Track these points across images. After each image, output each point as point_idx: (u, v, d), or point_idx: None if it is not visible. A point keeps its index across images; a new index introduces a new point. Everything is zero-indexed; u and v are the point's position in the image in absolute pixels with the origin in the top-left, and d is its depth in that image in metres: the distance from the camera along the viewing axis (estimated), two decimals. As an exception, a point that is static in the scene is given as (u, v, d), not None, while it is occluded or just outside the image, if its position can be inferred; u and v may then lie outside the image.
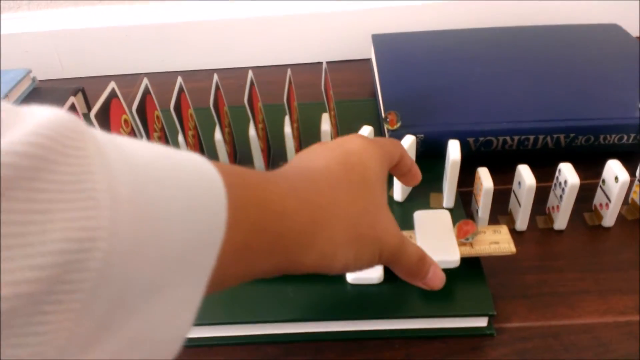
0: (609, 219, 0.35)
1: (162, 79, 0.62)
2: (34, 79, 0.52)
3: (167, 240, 0.15)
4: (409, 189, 0.36)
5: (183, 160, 0.17)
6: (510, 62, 0.47)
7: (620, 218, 0.36)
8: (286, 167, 0.24)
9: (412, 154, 0.36)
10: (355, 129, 0.41)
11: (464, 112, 0.40)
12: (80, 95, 0.52)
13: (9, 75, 0.50)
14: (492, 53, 0.48)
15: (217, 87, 0.40)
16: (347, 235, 0.22)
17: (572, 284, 0.32)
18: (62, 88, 0.52)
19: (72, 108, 0.35)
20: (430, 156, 0.39)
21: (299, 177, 0.23)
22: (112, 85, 0.39)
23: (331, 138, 0.38)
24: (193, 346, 0.30)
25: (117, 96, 0.39)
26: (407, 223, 0.33)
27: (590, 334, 0.29)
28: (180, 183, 0.16)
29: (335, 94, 0.52)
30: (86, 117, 0.35)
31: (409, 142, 0.34)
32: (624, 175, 0.33)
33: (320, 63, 0.62)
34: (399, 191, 0.36)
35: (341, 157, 0.24)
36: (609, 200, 0.35)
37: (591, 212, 0.37)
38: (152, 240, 0.14)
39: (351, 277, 0.30)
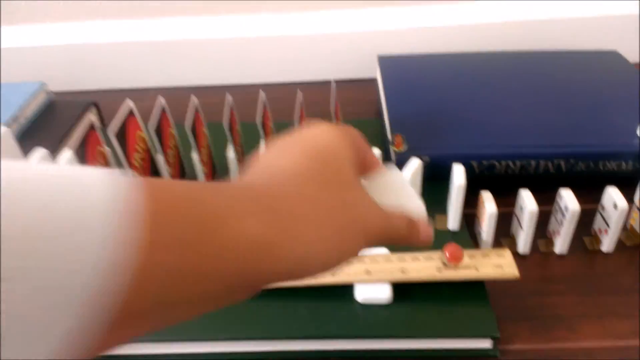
0: (608, 244, 0.36)
1: (172, 94, 0.64)
2: (48, 92, 0.53)
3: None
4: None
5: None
6: (513, 87, 0.48)
7: (620, 243, 0.37)
8: (247, 171, 0.22)
9: (419, 177, 0.37)
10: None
11: (469, 135, 0.42)
12: (94, 109, 0.53)
13: (23, 88, 0.52)
14: (495, 77, 0.50)
15: (196, 109, 0.41)
16: (321, 233, 0.20)
17: (572, 308, 0.33)
18: (76, 102, 0.53)
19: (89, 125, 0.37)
20: (435, 178, 0.40)
21: (260, 183, 0.21)
22: (130, 103, 0.40)
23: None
24: (206, 362, 0.31)
25: (133, 114, 0.40)
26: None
27: (590, 357, 0.30)
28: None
29: (341, 112, 0.54)
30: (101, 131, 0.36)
31: (415, 166, 0.36)
32: (622, 202, 0.35)
33: (326, 82, 0.64)
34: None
35: (312, 152, 0.22)
36: (608, 227, 0.36)
37: (591, 236, 0.38)
38: None
39: (361, 297, 0.31)
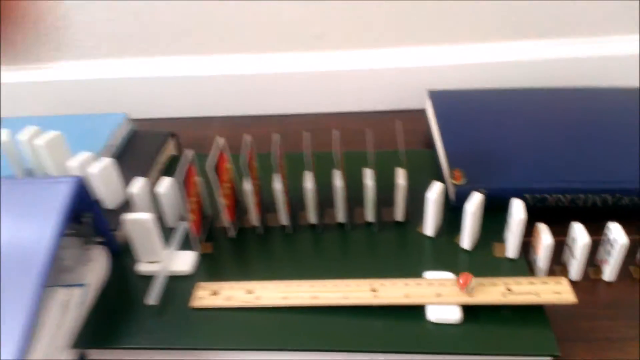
0: (653, 273, 0.40)
1: (233, 122, 0.69)
2: (131, 123, 0.59)
3: None
4: (476, 239, 0.42)
5: None
6: (560, 123, 0.52)
7: (663, 272, 0.41)
8: None
9: (481, 210, 0.41)
10: (420, 180, 0.47)
11: (522, 170, 0.46)
12: (172, 139, 0.58)
13: (110, 119, 0.57)
14: (543, 113, 0.54)
15: (250, 145, 0.46)
16: None
17: (623, 331, 0.37)
18: (156, 132, 0.58)
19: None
20: (491, 209, 0.44)
21: None
22: (221, 141, 0.45)
23: (404, 193, 0.44)
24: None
25: (223, 150, 0.45)
26: (474, 269, 0.38)
27: (640, 375, 0.34)
28: None
29: (388, 143, 0.58)
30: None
31: (478, 199, 0.40)
32: (667, 235, 0.38)
33: (373, 112, 0.69)
34: (467, 240, 0.41)
35: None
36: (654, 257, 0.40)
37: (636, 266, 0.42)
38: None
39: (433, 317, 0.36)
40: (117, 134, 0.56)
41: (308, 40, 0.65)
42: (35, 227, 0.36)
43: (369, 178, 0.43)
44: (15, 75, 0.69)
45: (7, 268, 0.34)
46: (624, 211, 0.45)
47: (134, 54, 0.68)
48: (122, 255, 0.44)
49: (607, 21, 0.63)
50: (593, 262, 0.42)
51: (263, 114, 0.70)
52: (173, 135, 0.58)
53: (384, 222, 0.45)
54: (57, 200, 0.37)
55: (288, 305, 0.38)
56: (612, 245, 0.39)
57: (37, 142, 0.45)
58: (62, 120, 0.57)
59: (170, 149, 0.58)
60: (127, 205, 0.48)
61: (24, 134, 0.47)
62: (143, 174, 0.51)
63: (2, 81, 0.68)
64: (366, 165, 0.45)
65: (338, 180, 0.43)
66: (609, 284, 0.41)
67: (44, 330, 0.36)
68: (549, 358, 0.34)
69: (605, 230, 0.40)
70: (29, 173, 0.49)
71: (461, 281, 0.36)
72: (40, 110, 0.69)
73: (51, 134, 0.46)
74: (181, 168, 0.41)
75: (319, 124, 0.68)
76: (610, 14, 0.62)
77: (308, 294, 0.38)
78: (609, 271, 0.40)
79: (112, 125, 0.56)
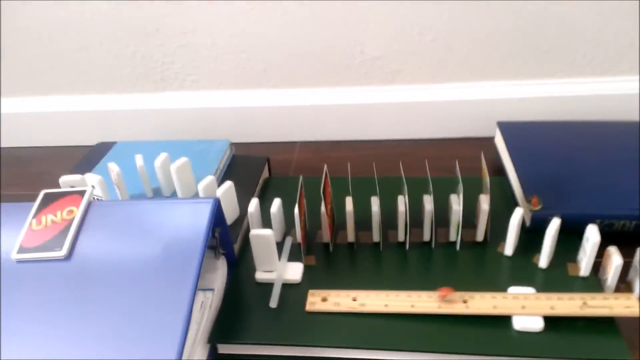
0: None
1: (314, 147, 0.77)
2: (232, 149, 0.67)
3: None
4: (551, 259, 0.48)
5: None
6: (624, 155, 0.57)
7: None
8: None
9: (556, 235, 0.47)
10: (493, 204, 0.53)
11: (591, 197, 0.51)
12: (267, 163, 0.66)
13: (215, 145, 0.66)
14: (608, 145, 0.59)
15: (326, 173, 0.53)
16: None
17: (687, 343, 0.42)
18: (254, 157, 0.66)
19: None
20: (562, 232, 0.50)
21: None
22: (325, 167, 0.52)
23: (488, 220, 0.50)
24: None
25: (327, 175, 0.52)
26: (552, 286, 0.44)
27: None
28: None
29: (460, 169, 0.65)
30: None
31: (557, 224, 0.46)
32: None
33: (445, 139, 0.75)
34: (545, 260, 0.47)
35: None
36: None
37: (698, 286, 0.47)
38: None
39: (519, 326, 0.42)
40: (223, 159, 0.64)
41: (387, 75, 0.73)
42: (188, 238, 0.44)
43: (455, 203, 0.50)
44: (123, 102, 0.79)
45: (166, 271, 0.42)
46: (685, 237, 0.50)
47: (227, 87, 0.77)
48: (238, 264, 0.52)
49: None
50: (657, 282, 0.47)
51: (342, 139, 0.78)
52: (268, 160, 0.66)
53: (465, 242, 0.52)
54: (204, 216, 0.45)
55: (389, 312, 0.45)
56: (676, 267, 0.45)
57: (171, 167, 0.54)
58: (174, 145, 0.66)
59: (265, 172, 0.66)
60: (238, 222, 0.56)
61: (158, 160, 0.55)
62: (248, 194, 0.59)
63: (115, 108, 0.78)
64: (451, 189, 0.52)
65: (428, 204, 0.50)
66: (672, 301, 0.46)
67: (191, 328, 0.43)
68: (622, 363, 0.40)
69: (669, 254, 0.46)
70: (157, 192, 0.58)
71: (441, 293, 0.44)
72: (145, 135, 0.79)
73: (181, 160, 0.54)
74: (298, 190, 0.48)
75: (390, 149, 0.75)
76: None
77: (407, 303, 0.45)
78: (673, 290, 0.45)
79: (218, 150, 0.65)
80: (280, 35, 0.71)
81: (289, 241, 0.53)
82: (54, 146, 0.83)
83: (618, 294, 0.43)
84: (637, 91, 0.69)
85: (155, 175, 0.58)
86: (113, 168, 0.54)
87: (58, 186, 0.56)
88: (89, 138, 0.80)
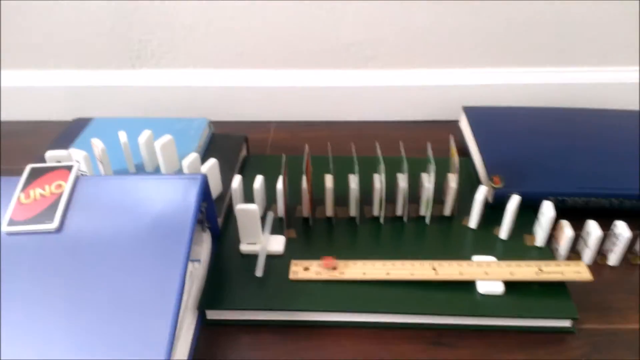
0: (648, 260, 0.51)
1: (290, 126, 0.80)
2: (211, 127, 0.69)
3: None
4: (512, 230, 0.53)
5: None
6: (578, 138, 0.63)
7: (655, 260, 0.52)
8: None
9: (516, 210, 0.52)
10: (465, 184, 0.58)
11: (547, 177, 0.57)
12: (245, 142, 0.69)
13: (195, 123, 0.67)
14: (565, 129, 0.65)
15: (307, 154, 0.56)
16: None
17: (623, 302, 0.48)
18: (232, 135, 0.69)
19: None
20: (522, 207, 0.55)
21: None
22: (307, 148, 0.55)
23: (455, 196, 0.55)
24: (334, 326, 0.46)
25: (309, 158, 0.55)
26: (511, 254, 0.50)
27: (634, 335, 0.45)
28: None
29: (423, 149, 0.69)
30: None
31: (516, 200, 0.51)
32: (660, 231, 0.50)
33: (416, 121, 0.79)
34: (505, 232, 0.52)
35: None
36: (649, 248, 0.51)
37: (633, 255, 0.53)
38: None
39: (482, 290, 0.47)
40: (203, 136, 0.66)
41: (361, 60, 0.76)
42: (179, 212, 0.46)
43: (426, 181, 0.54)
44: (99, 78, 0.78)
45: (158, 244, 0.44)
46: (627, 212, 0.56)
47: (204, 67, 0.78)
48: (221, 237, 0.55)
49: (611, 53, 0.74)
50: (600, 251, 0.53)
51: (316, 120, 0.80)
52: (246, 138, 0.69)
53: (434, 216, 0.56)
54: (193, 191, 0.47)
55: (366, 280, 0.49)
56: (617, 238, 0.50)
57: (155, 144, 0.56)
58: (152, 122, 0.67)
59: (244, 151, 0.68)
60: (221, 197, 0.58)
61: (142, 137, 0.57)
62: (229, 171, 0.61)
63: (91, 84, 0.78)
64: (422, 169, 0.56)
65: (402, 182, 0.54)
66: (612, 267, 0.52)
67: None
68: (569, 321, 0.45)
69: (612, 227, 0.51)
70: (139, 168, 0.59)
71: (325, 262, 0.49)
72: (122, 111, 0.79)
73: (166, 137, 0.56)
74: (282, 167, 0.51)
75: (363, 130, 0.78)
76: (612, 45, 0.74)
77: (382, 271, 0.49)
78: (614, 258, 0.51)
79: (198, 128, 0.66)
80: (258, 19, 0.73)
81: (270, 215, 0.56)
82: (29, 121, 0.82)
83: (569, 262, 0.48)
84: (594, 81, 0.75)
85: (136, 151, 0.59)
86: (97, 144, 0.55)
87: (36, 161, 0.57)
88: (64, 113, 0.80)
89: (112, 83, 0.78)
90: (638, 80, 0.75)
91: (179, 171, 0.59)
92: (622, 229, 0.50)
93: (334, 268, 0.49)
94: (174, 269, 0.43)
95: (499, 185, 0.55)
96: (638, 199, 0.55)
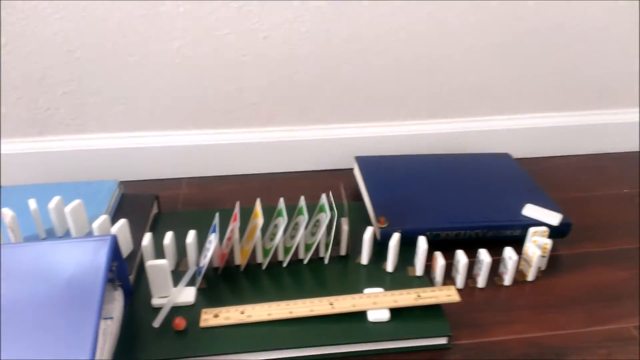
0: (508, 281, 0.61)
1: (201, 182, 0.84)
2: (121, 188, 0.72)
3: None
4: (396, 264, 0.61)
5: None
6: (449, 180, 0.74)
7: (515, 280, 0.62)
8: None
9: (398, 246, 0.60)
10: (354, 224, 0.66)
11: (425, 216, 0.66)
12: (156, 200, 0.73)
13: (105, 186, 0.70)
14: (440, 173, 0.76)
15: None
16: None
17: (492, 319, 0.57)
18: (142, 195, 0.72)
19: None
20: (405, 243, 0.63)
21: None
22: (237, 205, 0.61)
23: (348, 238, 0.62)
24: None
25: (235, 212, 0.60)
26: (396, 285, 0.57)
27: (504, 346, 0.54)
28: None
29: (328, 197, 0.77)
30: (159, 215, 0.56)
31: (397, 237, 0.59)
32: (514, 256, 0.60)
33: (316, 171, 0.87)
34: (390, 265, 0.60)
35: None
36: (507, 270, 0.61)
37: (498, 276, 0.63)
38: None
39: (372, 318, 0.53)
40: (113, 198, 0.69)
41: (264, 118, 0.83)
42: (90, 273, 0.49)
43: (323, 226, 0.61)
44: (7, 146, 0.79)
45: (71, 306, 0.47)
46: (489, 241, 0.67)
47: (113, 130, 0.81)
48: (133, 293, 0.58)
49: (472, 106, 0.88)
50: (471, 275, 0.63)
51: (226, 175, 0.86)
52: (157, 197, 0.73)
53: (332, 256, 0.63)
54: (103, 252, 0.50)
55: (272, 319, 0.54)
56: (481, 263, 0.60)
57: (65, 209, 0.58)
58: (62, 187, 0.70)
59: (155, 208, 0.72)
60: (132, 255, 0.61)
61: (52, 203, 0.59)
62: (140, 229, 0.65)
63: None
64: (320, 213, 0.63)
65: (302, 228, 0.60)
66: (481, 289, 0.61)
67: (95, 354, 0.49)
68: (445, 338, 0.53)
69: (477, 254, 0.61)
70: (50, 233, 0.61)
71: (177, 322, 0.53)
72: (32, 179, 0.80)
73: (75, 202, 0.59)
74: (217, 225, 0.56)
75: (271, 181, 0.85)
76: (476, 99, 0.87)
77: (286, 310, 0.55)
78: (481, 281, 0.61)
79: (108, 190, 0.69)
80: (167, 82, 0.78)
81: (192, 269, 0.60)
82: None
83: (442, 287, 0.56)
84: (463, 130, 0.88)
85: (46, 217, 0.61)
86: (7, 212, 0.57)
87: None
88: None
89: (21, 150, 0.79)
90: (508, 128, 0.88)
91: (90, 233, 0.62)
92: (484, 256, 0.59)
93: (183, 327, 0.53)
94: (86, 329, 0.46)
95: (384, 225, 0.63)
96: (497, 229, 0.66)
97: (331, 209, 0.62)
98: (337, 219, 0.67)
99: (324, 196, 0.63)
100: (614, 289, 0.62)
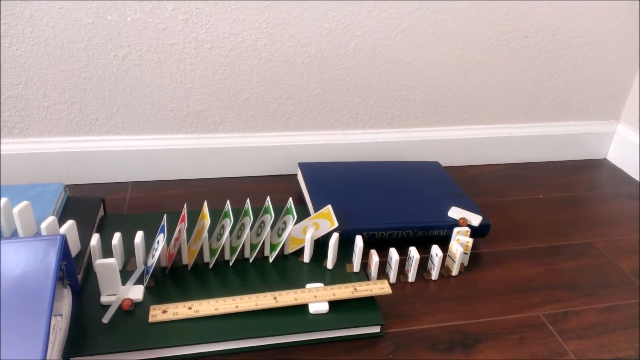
0: (435, 275, 0.68)
1: (147, 186, 0.86)
2: (67, 191, 0.73)
3: None
4: (335, 262, 0.66)
5: None
6: (384, 184, 0.80)
7: (441, 275, 0.69)
8: None
9: (336, 245, 0.65)
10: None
11: (361, 217, 0.72)
12: (102, 203, 0.74)
13: (51, 189, 0.71)
14: (377, 178, 0.82)
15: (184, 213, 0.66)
16: None
17: (421, 310, 0.63)
18: (88, 198, 0.73)
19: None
20: (343, 242, 0.69)
21: None
22: (185, 207, 0.63)
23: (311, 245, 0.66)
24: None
25: (184, 212, 0.63)
26: (335, 280, 0.62)
27: (429, 333, 0.60)
28: None
29: (271, 200, 0.81)
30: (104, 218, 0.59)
31: (335, 237, 0.64)
32: (440, 253, 0.67)
33: (261, 176, 0.91)
34: (330, 263, 0.65)
35: None
36: (434, 266, 0.68)
37: (426, 271, 0.69)
38: None
39: (312, 310, 0.58)
40: (59, 200, 0.70)
41: (211, 125, 0.87)
42: (42, 271, 0.50)
43: (267, 227, 0.65)
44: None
45: (25, 299, 0.48)
46: (419, 239, 0.73)
47: (58, 134, 0.82)
48: (81, 292, 0.59)
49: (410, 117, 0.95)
50: (403, 271, 0.69)
51: (172, 179, 0.88)
52: (103, 200, 0.74)
53: (278, 255, 0.67)
54: (54, 251, 0.52)
55: (219, 314, 0.57)
56: (412, 260, 0.66)
57: (13, 210, 0.59)
58: (8, 189, 0.70)
59: (101, 211, 0.73)
60: (79, 255, 0.63)
61: (-2, 204, 0.60)
62: (87, 231, 0.66)
63: None
64: (264, 215, 0.68)
65: (247, 229, 0.64)
66: (411, 283, 0.67)
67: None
68: (378, 327, 0.59)
69: (408, 252, 0.67)
70: (-6, 234, 0.62)
71: (125, 303, 0.57)
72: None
73: (23, 203, 0.60)
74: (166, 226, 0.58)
75: (217, 185, 0.88)
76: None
77: (232, 305, 0.58)
78: (411, 276, 0.67)
79: (54, 193, 0.70)
80: (113, 88, 0.80)
81: (141, 268, 0.62)
82: None
83: (377, 281, 0.62)
84: (398, 140, 0.95)
85: (-9, 218, 0.62)
86: (-50, 213, 0.57)
87: None
88: None
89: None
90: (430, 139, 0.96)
91: (37, 234, 0.62)
92: (414, 253, 0.66)
93: (130, 306, 0.56)
94: (38, 324, 0.47)
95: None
96: (426, 229, 0.73)
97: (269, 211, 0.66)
98: (280, 221, 0.72)
99: (268, 199, 0.67)
100: (527, 282, 0.70)
